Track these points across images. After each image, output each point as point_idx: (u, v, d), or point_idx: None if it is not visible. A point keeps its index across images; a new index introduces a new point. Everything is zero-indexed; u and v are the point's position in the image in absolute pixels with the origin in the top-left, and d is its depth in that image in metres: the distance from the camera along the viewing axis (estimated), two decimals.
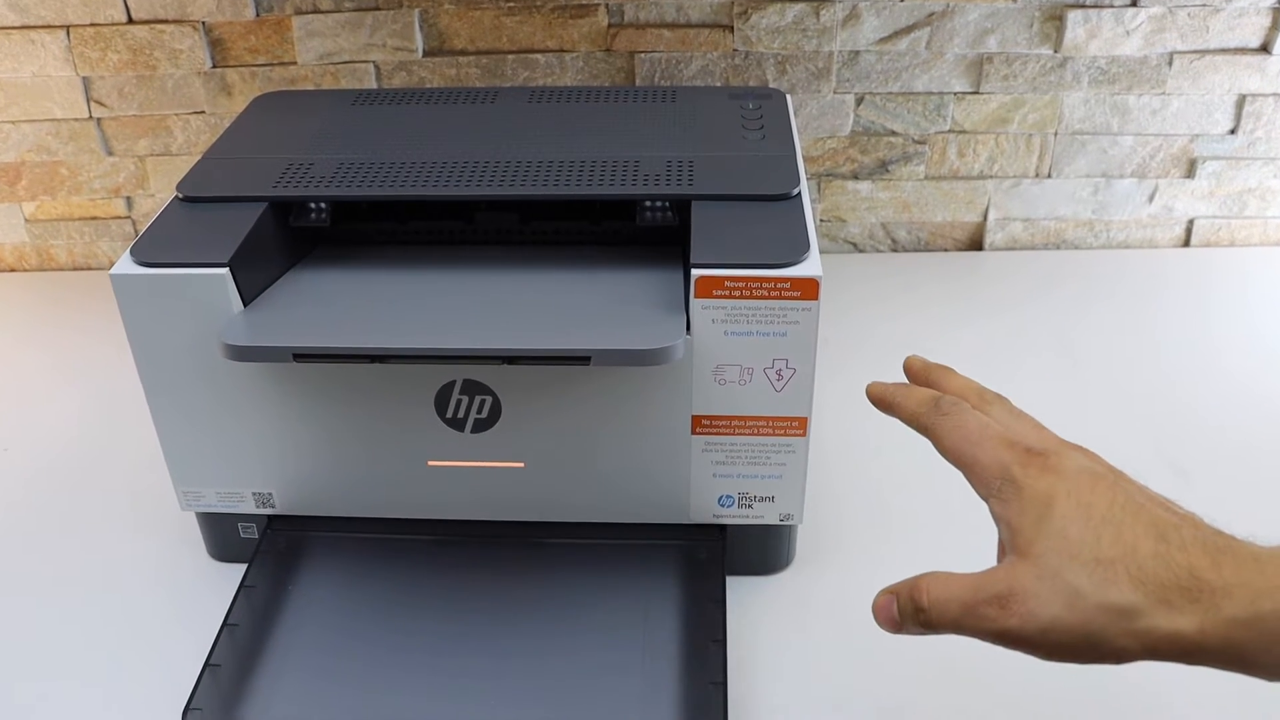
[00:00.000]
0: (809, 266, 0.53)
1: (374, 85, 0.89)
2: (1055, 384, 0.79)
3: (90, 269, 0.99)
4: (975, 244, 0.98)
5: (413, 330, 0.54)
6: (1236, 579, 0.35)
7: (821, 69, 0.89)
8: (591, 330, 0.53)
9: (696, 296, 0.53)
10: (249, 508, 0.62)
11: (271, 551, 0.61)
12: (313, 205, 0.61)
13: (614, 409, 0.57)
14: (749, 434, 0.57)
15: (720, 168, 0.62)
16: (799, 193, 0.59)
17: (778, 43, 0.88)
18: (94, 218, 0.96)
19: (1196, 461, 0.72)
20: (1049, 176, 0.95)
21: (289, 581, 0.60)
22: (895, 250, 0.99)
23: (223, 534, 0.65)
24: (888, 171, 0.94)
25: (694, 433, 0.58)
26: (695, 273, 0.53)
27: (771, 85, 0.90)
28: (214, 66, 0.88)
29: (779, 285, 0.53)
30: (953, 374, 0.48)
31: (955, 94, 0.91)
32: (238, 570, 0.62)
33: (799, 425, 0.57)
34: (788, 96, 0.72)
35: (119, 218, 0.96)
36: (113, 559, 0.66)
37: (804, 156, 0.92)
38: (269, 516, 0.63)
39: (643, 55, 0.88)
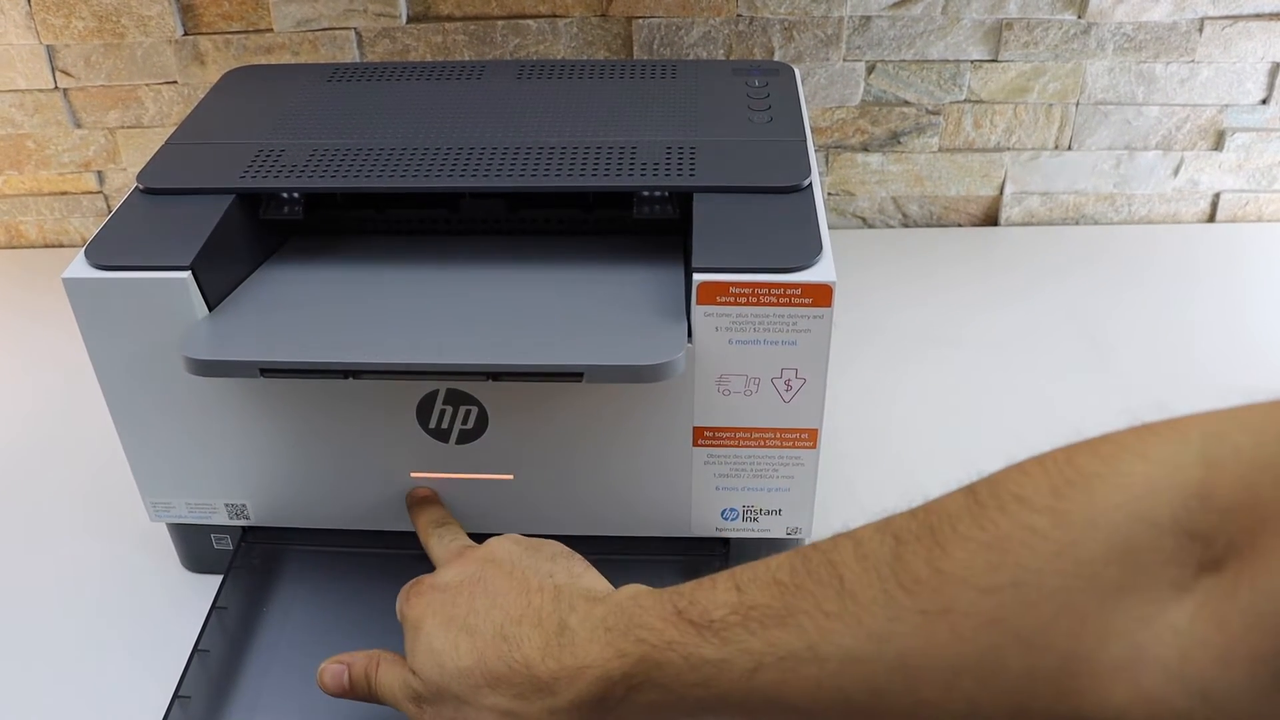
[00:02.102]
0: (821, 270, 0.49)
1: (355, 54, 0.84)
2: (1078, 374, 0.75)
3: (62, 246, 0.94)
4: (990, 219, 0.94)
5: (390, 341, 0.49)
6: (559, 667, 0.40)
7: (830, 36, 0.84)
8: (584, 341, 0.49)
9: (699, 303, 0.49)
10: (222, 519, 0.59)
11: (245, 567, 0.58)
12: (284, 196, 0.56)
13: (609, 420, 0.53)
14: (755, 446, 0.54)
15: (724, 155, 0.57)
16: (809, 183, 0.55)
17: (784, 7, 0.83)
18: (64, 193, 0.91)
19: None
20: (1069, 149, 0.90)
21: (264, 601, 0.56)
22: (906, 225, 0.94)
23: (195, 545, 0.61)
24: (899, 143, 0.90)
25: (696, 444, 0.54)
26: (697, 278, 0.49)
27: (778, 53, 0.84)
28: (185, 34, 0.83)
29: (788, 291, 0.49)
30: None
31: (972, 62, 0.86)
32: (212, 582, 0.59)
33: (809, 437, 0.53)
34: (796, 71, 0.67)
35: (90, 193, 0.91)
36: (78, 569, 0.63)
37: (812, 127, 0.87)
38: (244, 528, 0.60)
39: (641, 21, 0.83)
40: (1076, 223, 0.94)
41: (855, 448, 0.69)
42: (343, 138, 0.59)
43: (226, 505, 0.58)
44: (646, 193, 0.55)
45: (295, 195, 0.56)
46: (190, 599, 0.59)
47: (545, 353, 0.47)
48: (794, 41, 0.84)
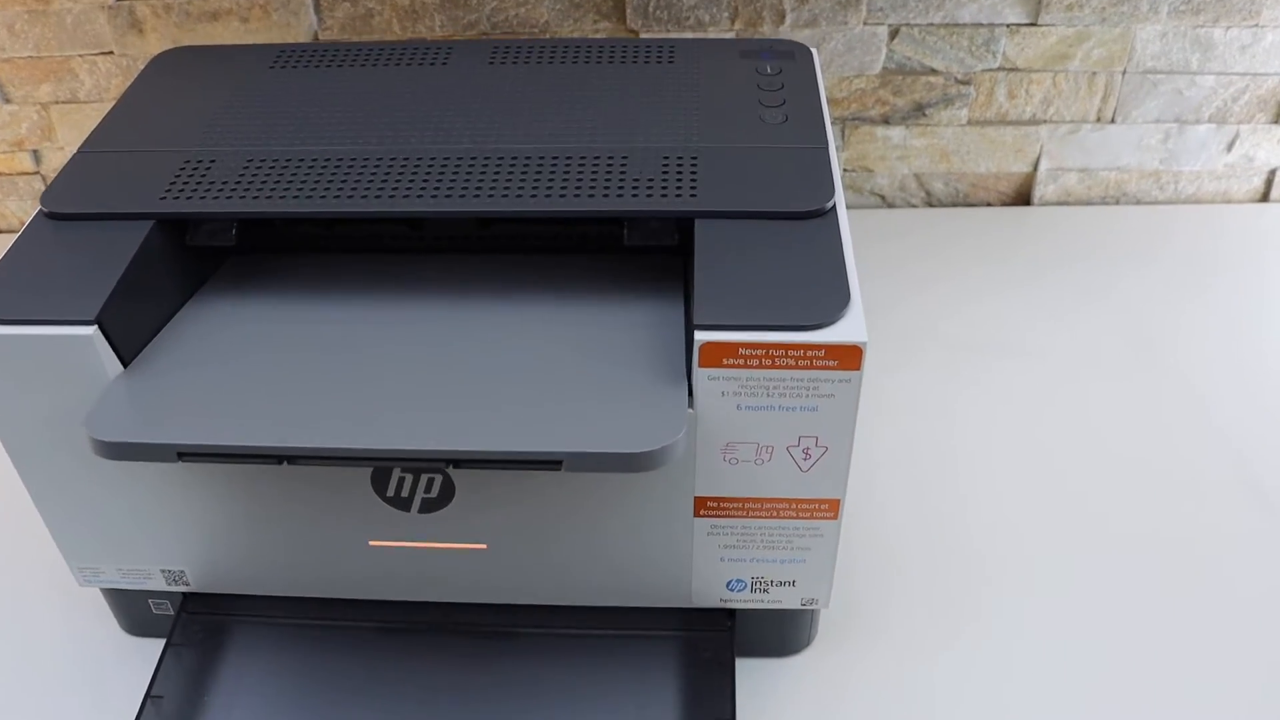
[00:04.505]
0: (849, 327, 0.41)
1: (312, 19, 0.74)
2: (1115, 380, 0.67)
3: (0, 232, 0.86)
4: (1023, 197, 0.85)
5: (331, 420, 0.41)
6: None
7: None
8: (563, 418, 0.41)
9: (701, 366, 0.41)
10: (159, 585, 0.51)
11: (185, 644, 0.51)
12: (213, 221, 0.48)
13: (596, 492, 0.45)
14: (766, 517, 0.46)
15: (731, 167, 0.48)
16: (833, 205, 0.46)
17: None
18: None
19: None
20: (1112, 121, 0.81)
21: (206, 686, 0.49)
22: (930, 205, 0.85)
23: (133, 610, 0.54)
24: (924, 115, 0.80)
25: (697, 515, 0.46)
26: (699, 337, 0.41)
27: (789, 17, 0.75)
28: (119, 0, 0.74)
29: (809, 353, 0.41)
30: None
31: (1009, 26, 0.76)
32: (155, 646, 0.52)
33: (829, 508, 0.46)
34: (814, 54, 0.58)
35: (26, 173, 0.82)
36: (8, 632, 0.56)
37: (828, 98, 0.78)
38: (184, 594, 0.52)
39: None
40: (1117, 201, 0.85)
41: (872, 479, 0.61)
42: (285, 143, 0.51)
43: (163, 571, 0.51)
44: (639, 218, 0.46)
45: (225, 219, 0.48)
46: (134, 664, 0.52)
47: (516, 435, 0.40)
48: (808, 4, 0.75)
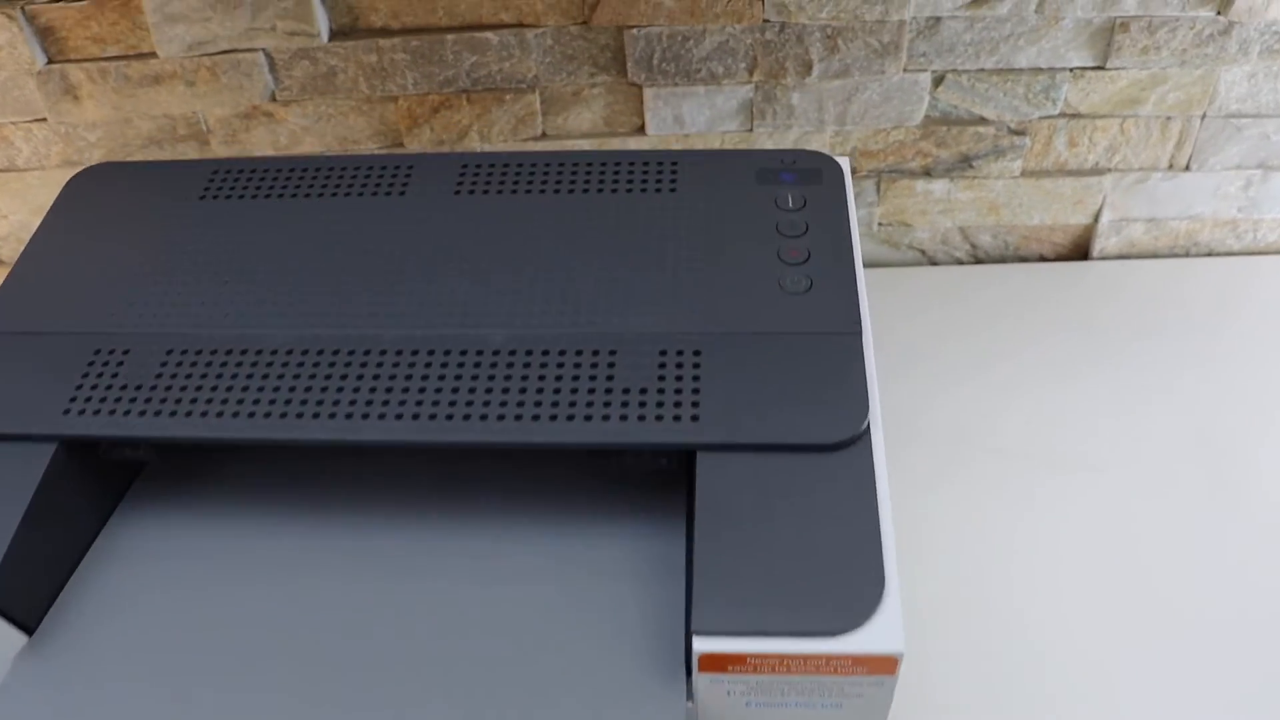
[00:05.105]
0: (883, 632, 0.33)
1: (268, 80, 0.65)
2: (1182, 489, 0.59)
3: None
4: (1080, 250, 0.75)
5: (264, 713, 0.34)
6: None
7: (888, 44, 0.64)
8: None
9: (701, 671, 0.34)
10: None
11: None
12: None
13: None
14: None
15: (742, 368, 0.40)
16: (867, 426, 0.38)
17: (826, 11, 0.63)
18: None
19: None
20: (1187, 169, 0.70)
21: None
22: (976, 260, 0.76)
23: None
24: (971, 167, 0.70)
25: None
26: (697, 645, 0.33)
27: (817, 66, 0.65)
28: (50, 62, 0.64)
29: (833, 662, 0.33)
30: None
31: (1073, 70, 0.66)
32: None
33: None
34: (845, 168, 0.49)
35: None
36: None
37: (858, 151, 0.68)
38: None
39: (635, 31, 0.63)
40: (1187, 253, 0.75)
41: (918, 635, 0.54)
42: (211, 323, 0.43)
43: None
44: (629, 449, 0.38)
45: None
46: None
47: None
48: (839, 53, 0.64)
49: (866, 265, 0.76)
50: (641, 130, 0.68)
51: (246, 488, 0.43)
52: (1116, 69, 0.66)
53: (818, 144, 0.69)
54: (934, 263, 0.76)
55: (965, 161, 0.70)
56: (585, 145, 0.69)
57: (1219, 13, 0.63)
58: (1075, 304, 0.72)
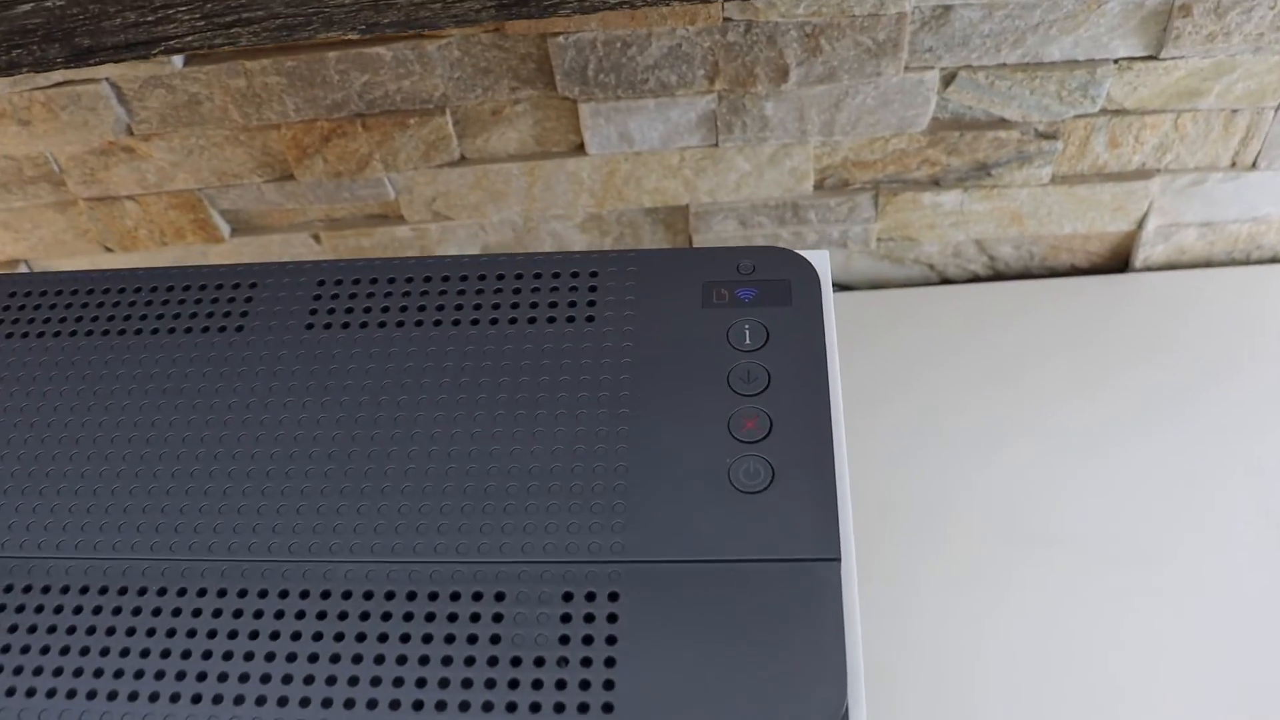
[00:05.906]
0: None
1: (120, 113, 0.53)
2: (1248, 548, 0.49)
3: None
4: (1120, 259, 0.63)
5: None
6: None
7: (884, 42, 0.51)
8: None
9: None
10: None
11: None
12: None
13: None
14: None
15: (674, 628, 0.29)
16: (845, 715, 0.28)
17: (804, 6, 0.49)
18: None
19: None
20: (1253, 167, 0.58)
21: None
22: (995, 274, 0.64)
23: None
24: (989, 176, 0.58)
25: None
26: None
27: (795, 71, 0.52)
28: None
29: None
30: None
31: (1118, 62, 0.52)
32: None
33: None
34: (824, 270, 0.37)
35: None
36: None
37: (850, 162, 0.56)
38: None
39: (562, 38, 0.50)
40: (1247, 258, 0.63)
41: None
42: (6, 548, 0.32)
43: None
44: None
45: None
46: None
47: None
48: (822, 54, 0.51)
49: (863, 286, 0.64)
50: (581, 149, 0.56)
51: None
52: (1174, 58, 0.52)
53: (800, 157, 0.56)
54: (945, 279, 0.64)
55: (982, 170, 0.57)
56: (514, 169, 0.57)
57: None
58: (1114, 334, 0.60)
